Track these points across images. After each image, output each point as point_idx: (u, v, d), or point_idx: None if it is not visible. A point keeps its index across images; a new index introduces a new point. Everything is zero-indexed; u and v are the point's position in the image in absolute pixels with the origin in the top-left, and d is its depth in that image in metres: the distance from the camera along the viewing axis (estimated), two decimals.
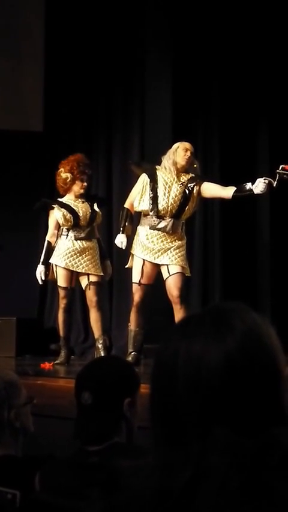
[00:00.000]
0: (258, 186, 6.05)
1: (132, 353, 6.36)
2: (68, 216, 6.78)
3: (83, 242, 6.81)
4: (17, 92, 8.80)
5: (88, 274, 6.79)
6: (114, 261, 7.81)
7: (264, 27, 8.02)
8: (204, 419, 1.12)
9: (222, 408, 1.11)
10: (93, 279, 6.79)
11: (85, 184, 6.89)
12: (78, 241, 6.81)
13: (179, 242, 6.29)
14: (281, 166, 5.96)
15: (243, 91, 8.08)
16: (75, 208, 6.82)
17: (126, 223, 6.43)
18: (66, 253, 6.79)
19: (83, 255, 6.79)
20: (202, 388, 1.12)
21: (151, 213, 6.23)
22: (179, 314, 6.10)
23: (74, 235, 6.80)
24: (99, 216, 6.93)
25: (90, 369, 2.44)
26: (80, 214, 6.81)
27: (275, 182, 5.97)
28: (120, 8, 8.51)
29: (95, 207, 6.92)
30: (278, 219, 7.95)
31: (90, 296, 6.80)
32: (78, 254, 6.79)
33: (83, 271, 6.78)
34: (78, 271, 6.78)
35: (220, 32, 8.12)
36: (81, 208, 6.84)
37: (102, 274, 6.85)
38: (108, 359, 2.64)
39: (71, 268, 6.78)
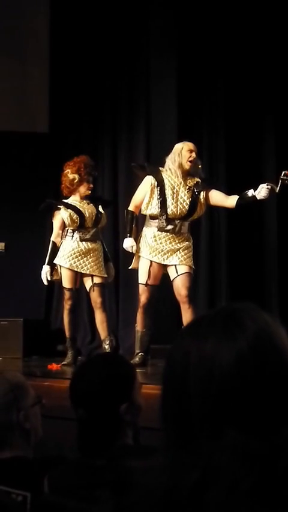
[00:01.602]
0: (261, 192, 6.07)
1: (139, 354, 6.37)
2: (75, 216, 6.79)
3: (88, 243, 6.82)
4: (22, 93, 8.81)
5: (92, 276, 6.79)
6: (120, 262, 7.82)
7: (270, 27, 8.01)
8: (215, 419, 1.12)
9: (234, 408, 1.11)
10: (97, 280, 6.80)
11: (91, 185, 6.92)
12: (84, 242, 6.82)
13: (187, 243, 6.30)
14: (283, 172, 5.98)
15: (249, 90, 8.07)
16: (81, 209, 6.83)
17: (133, 226, 6.42)
18: (71, 254, 6.80)
19: (88, 256, 6.80)
20: (214, 389, 1.12)
21: (160, 217, 6.24)
22: (187, 314, 6.11)
23: (80, 236, 6.81)
24: (104, 217, 6.95)
25: (79, 381, 2.36)
26: (86, 215, 6.82)
27: (278, 187, 6.00)
28: (125, 9, 8.51)
29: (100, 208, 6.93)
30: (285, 220, 7.94)
31: (95, 298, 6.81)
32: (83, 255, 6.79)
33: (88, 272, 6.79)
34: (82, 272, 6.80)
35: (225, 32, 8.12)
36: (87, 209, 6.85)
37: (106, 275, 6.86)
38: (96, 364, 2.45)
39: (75, 269, 6.79)
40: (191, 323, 1.23)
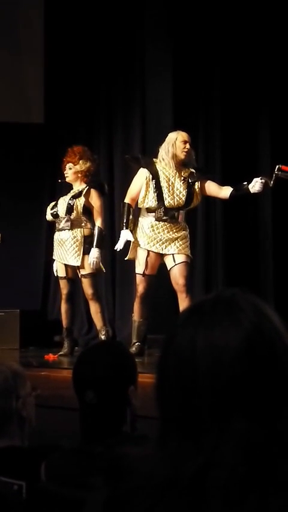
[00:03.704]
0: (255, 186, 6.11)
1: (136, 344, 6.38)
2: (51, 208, 6.90)
3: (60, 233, 6.81)
4: (17, 84, 8.79)
5: (79, 268, 6.77)
6: (116, 252, 7.80)
7: (267, 18, 7.99)
8: (224, 408, 1.11)
9: (243, 395, 1.11)
10: (83, 271, 6.76)
11: None
12: (57, 232, 6.85)
13: (184, 232, 6.31)
14: (277, 166, 6.01)
15: (245, 81, 8.05)
16: (60, 199, 6.89)
17: (130, 218, 6.39)
18: (54, 245, 6.89)
19: (62, 246, 6.80)
20: (224, 375, 1.12)
21: (158, 209, 6.23)
22: (184, 303, 6.11)
23: (56, 227, 6.86)
24: (80, 205, 6.76)
25: (87, 365, 2.34)
26: (59, 205, 6.83)
27: (272, 182, 6.03)
28: (120, 0, 8.48)
29: (83, 194, 6.78)
30: (280, 207, 7.94)
31: (85, 289, 6.82)
32: (58, 246, 6.85)
33: (63, 262, 6.79)
34: (62, 262, 6.83)
35: (221, 22, 8.09)
36: (62, 198, 6.86)
37: (77, 265, 6.74)
38: (100, 349, 2.51)
39: (58, 259, 6.84)
40: (189, 311, 1.22)
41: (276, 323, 1.17)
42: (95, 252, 6.68)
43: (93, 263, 6.68)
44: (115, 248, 6.45)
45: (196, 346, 1.14)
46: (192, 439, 1.12)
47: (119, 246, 6.38)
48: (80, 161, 6.80)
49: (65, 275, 6.87)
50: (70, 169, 6.84)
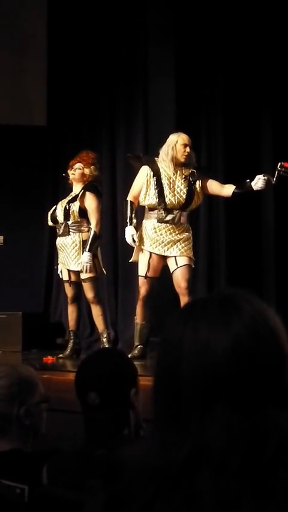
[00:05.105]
0: (258, 183, 6.11)
1: (139, 346, 6.37)
2: (51, 214, 6.91)
3: (61, 239, 6.82)
4: (20, 86, 8.79)
5: (80, 272, 6.75)
6: (119, 254, 7.80)
7: (269, 18, 7.98)
8: (207, 401, 1.12)
9: (226, 391, 1.11)
10: (83, 276, 6.74)
11: None
12: (58, 238, 6.87)
13: (187, 234, 6.29)
14: (279, 163, 6.00)
15: (247, 80, 8.04)
16: (59, 205, 6.87)
17: (133, 214, 6.36)
18: (57, 249, 6.93)
19: (64, 251, 6.80)
20: (207, 371, 1.12)
21: (159, 207, 6.22)
22: None
23: (57, 232, 6.86)
24: (76, 210, 6.74)
25: (88, 368, 2.39)
26: (57, 210, 6.83)
27: (274, 179, 6.03)
28: (122, 1, 8.49)
29: (78, 199, 6.75)
30: (282, 207, 7.92)
31: (86, 293, 6.81)
32: (60, 250, 6.86)
33: (66, 267, 6.79)
34: (64, 266, 6.85)
35: (224, 24, 8.08)
36: (61, 204, 6.86)
37: (78, 269, 6.71)
38: (101, 353, 2.64)
39: (61, 263, 6.88)
40: (186, 305, 1.23)
41: (276, 330, 1.16)
42: (85, 257, 6.64)
43: (84, 267, 6.65)
44: (130, 244, 6.37)
45: (183, 340, 1.14)
46: (176, 429, 1.12)
47: (131, 242, 6.31)
48: (92, 167, 6.79)
49: (66, 278, 6.87)
50: (80, 169, 6.77)
